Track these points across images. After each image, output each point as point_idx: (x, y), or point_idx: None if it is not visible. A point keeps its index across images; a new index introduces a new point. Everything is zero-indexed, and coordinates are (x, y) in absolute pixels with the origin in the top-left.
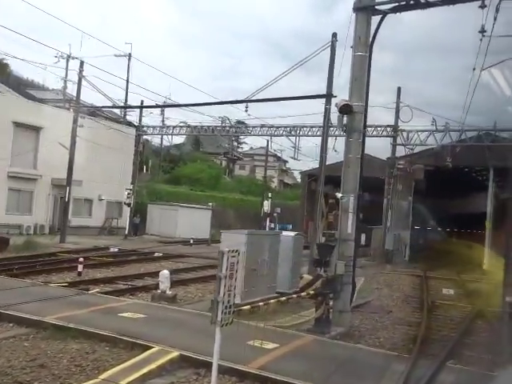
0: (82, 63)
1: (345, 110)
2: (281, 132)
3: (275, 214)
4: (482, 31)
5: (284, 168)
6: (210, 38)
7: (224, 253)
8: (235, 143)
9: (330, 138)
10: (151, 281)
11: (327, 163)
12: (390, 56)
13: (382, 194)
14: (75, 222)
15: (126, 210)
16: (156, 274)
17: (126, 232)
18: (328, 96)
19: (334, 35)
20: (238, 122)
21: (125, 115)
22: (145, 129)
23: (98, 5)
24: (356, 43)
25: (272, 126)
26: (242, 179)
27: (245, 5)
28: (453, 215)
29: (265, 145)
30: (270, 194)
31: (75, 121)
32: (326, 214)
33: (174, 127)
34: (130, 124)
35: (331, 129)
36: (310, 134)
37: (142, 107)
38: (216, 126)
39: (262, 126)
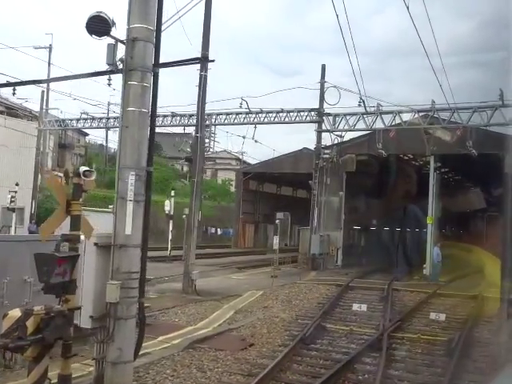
0: None
1: (94, 26)
2: (194, 121)
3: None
4: None
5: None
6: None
7: None
8: None
9: (246, 126)
10: None
11: (264, 159)
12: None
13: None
14: None
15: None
16: None
17: None
18: (203, 60)
19: None
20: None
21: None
22: (73, 122)
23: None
24: None
25: (184, 115)
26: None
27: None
28: (399, 212)
29: (228, 148)
30: (172, 193)
31: None
32: (64, 202)
33: (108, 118)
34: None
35: (251, 115)
36: (226, 122)
37: None
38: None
39: (174, 115)
